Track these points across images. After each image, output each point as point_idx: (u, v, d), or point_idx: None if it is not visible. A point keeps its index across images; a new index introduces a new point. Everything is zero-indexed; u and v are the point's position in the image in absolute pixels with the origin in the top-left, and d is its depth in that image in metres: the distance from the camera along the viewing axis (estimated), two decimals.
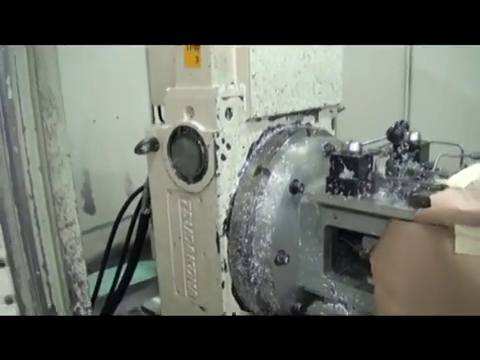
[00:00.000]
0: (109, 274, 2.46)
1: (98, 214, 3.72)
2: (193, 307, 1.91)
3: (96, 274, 2.47)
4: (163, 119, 2.12)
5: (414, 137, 1.80)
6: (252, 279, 1.78)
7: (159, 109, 2.19)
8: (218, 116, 1.64)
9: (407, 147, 1.79)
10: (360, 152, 1.61)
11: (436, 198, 1.40)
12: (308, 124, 2.06)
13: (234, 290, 1.86)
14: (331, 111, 2.19)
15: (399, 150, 1.78)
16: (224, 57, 1.68)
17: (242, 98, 1.72)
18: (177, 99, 1.75)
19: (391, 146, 1.77)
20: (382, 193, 1.61)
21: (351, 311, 1.75)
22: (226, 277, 1.81)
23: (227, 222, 1.77)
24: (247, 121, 1.76)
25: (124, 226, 2.42)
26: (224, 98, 1.65)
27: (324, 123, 2.16)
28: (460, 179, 1.49)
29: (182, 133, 1.73)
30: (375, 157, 1.66)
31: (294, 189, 1.72)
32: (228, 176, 1.73)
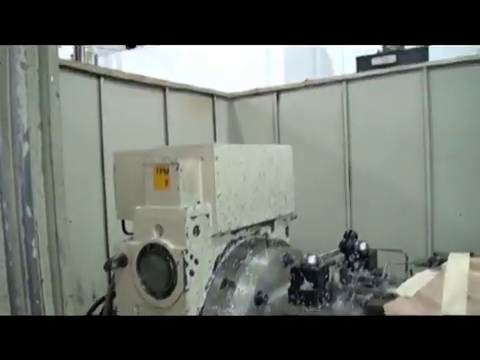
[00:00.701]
0: None
1: None
2: None
3: None
4: (127, 232, 2.21)
5: (363, 247, 2.00)
6: None
7: (123, 222, 2.27)
8: (187, 234, 1.77)
9: (358, 256, 1.98)
10: (318, 264, 1.76)
11: (389, 307, 1.57)
12: (265, 234, 2.23)
13: None
14: (285, 220, 2.38)
15: (351, 259, 1.97)
16: (191, 180, 1.84)
17: (208, 216, 1.86)
18: (147, 217, 1.87)
19: (343, 256, 1.95)
20: (340, 302, 1.75)
21: None
22: None
23: None
24: (212, 236, 1.89)
25: None
26: (192, 217, 1.79)
27: (279, 231, 2.34)
28: (408, 288, 1.67)
29: (151, 250, 1.83)
30: (331, 268, 1.82)
31: (259, 300, 1.83)
32: (196, 290, 1.82)
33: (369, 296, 1.71)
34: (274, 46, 6.12)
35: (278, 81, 5.63)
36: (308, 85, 4.49)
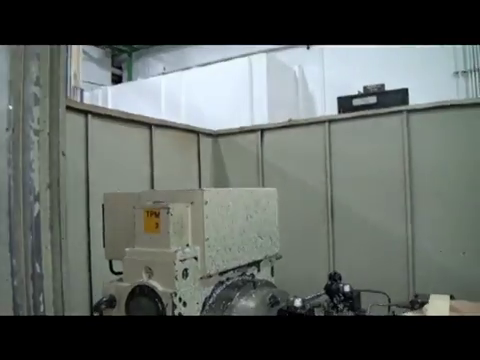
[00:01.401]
0: None
1: None
2: None
3: None
4: (115, 271, 2.23)
5: (347, 289, 2.06)
6: None
7: (111, 262, 2.29)
8: (176, 277, 1.80)
9: (342, 297, 2.04)
10: (303, 307, 1.81)
11: None
12: (252, 275, 2.27)
13: None
14: (270, 260, 2.43)
15: (335, 301, 2.02)
16: (181, 224, 1.89)
17: (197, 259, 1.91)
18: (136, 260, 1.90)
19: (328, 298, 2.00)
20: None
21: None
22: None
23: None
24: (201, 279, 1.93)
25: None
26: (181, 260, 1.83)
27: (265, 271, 2.38)
28: None
29: (140, 292, 1.85)
30: (316, 310, 1.87)
31: None
32: None
33: None
34: (258, 87, 6.29)
35: (261, 119, 5.77)
36: (292, 125, 4.62)
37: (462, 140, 3.73)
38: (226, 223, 2.05)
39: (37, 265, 1.45)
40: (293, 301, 1.82)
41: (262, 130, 4.75)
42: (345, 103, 6.02)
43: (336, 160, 4.30)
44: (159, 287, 1.82)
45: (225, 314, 1.93)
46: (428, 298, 2.04)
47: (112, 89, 8.60)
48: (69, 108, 3.39)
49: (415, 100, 5.12)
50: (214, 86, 6.69)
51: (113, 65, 11.78)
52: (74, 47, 6.95)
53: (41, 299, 1.48)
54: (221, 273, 2.07)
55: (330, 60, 7.88)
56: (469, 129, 3.69)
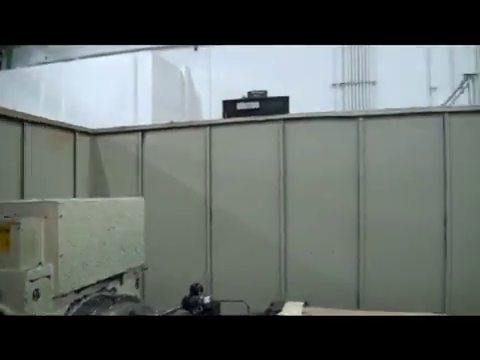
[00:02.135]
0: None
1: None
2: None
3: None
4: None
5: (207, 300, 2.10)
6: None
7: None
8: (26, 300, 1.70)
9: (201, 309, 2.07)
10: None
11: None
12: (114, 289, 2.21)
13: None
14: (135, 272, 2.39)
15: (194, 313, 2.05)
16: (32, 239, 1.78)
17: (49, 277, 1.81)
18: None
19: (186, 311, 2.03)
20: None
21: None
22: None
23: None
24: (53, 298, 1.84)
25: None
26: (32, 280, 1.72)
27: (129, 284, 2.34)
28: None
29: None
30: None
31: None
32: None
33: None
34: (143, 85, 6.18)
35: (146, 120, 5.67)
36: (174, 126, 4.60)
37: (336, 149, 3.99)
38: (84, 236, 1.97)
39: None
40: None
41: (143, 131, 4.66)
42: (230, 107, 6.15)
43: (216, 163, 4.37)
44: (8, 310, 1.70)
45: None
46: (283, 306, 2.16)
47: None
48: None
49: (296, 108, 5.37)
50: (97, 81, 6.42)
51: None
52: None
53: None
54: (78, 290, 1.99)
55: (217, 63, 7.97)
56: (343, 138, 3.97)
